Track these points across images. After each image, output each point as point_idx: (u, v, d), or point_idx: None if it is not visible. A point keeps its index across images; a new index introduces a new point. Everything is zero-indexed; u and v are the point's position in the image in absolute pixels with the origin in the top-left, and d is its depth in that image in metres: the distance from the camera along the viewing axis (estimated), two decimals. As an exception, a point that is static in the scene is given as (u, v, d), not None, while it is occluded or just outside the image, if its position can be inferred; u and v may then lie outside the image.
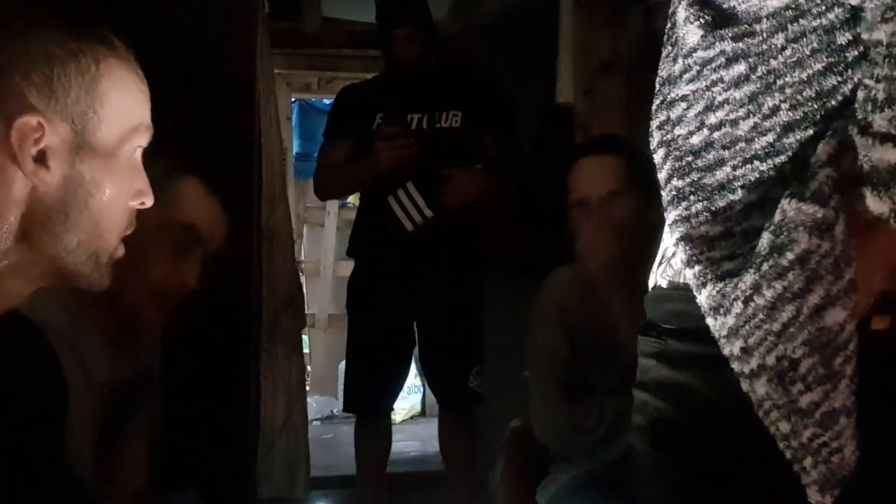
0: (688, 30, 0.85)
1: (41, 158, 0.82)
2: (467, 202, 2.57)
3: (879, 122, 0.66)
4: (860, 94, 0.69)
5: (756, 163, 0.80)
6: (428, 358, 2.79)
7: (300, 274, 3.25)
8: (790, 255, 0.74)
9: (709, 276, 0.83)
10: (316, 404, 4.56)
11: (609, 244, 1.67)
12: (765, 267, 0.76)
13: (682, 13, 0.85)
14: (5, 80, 0.80)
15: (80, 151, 0.84)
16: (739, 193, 0.81)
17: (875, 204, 0.68)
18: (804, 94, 0.77)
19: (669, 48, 0.90)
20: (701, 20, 0.83)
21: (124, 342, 1.39)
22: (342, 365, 2.95)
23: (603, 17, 2.42)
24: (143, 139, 0.91)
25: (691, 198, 0.85)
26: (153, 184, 0.93)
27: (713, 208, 0.83)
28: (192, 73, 1.97)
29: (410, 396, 4.76)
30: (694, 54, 0.85)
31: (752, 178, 0.80)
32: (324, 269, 5.08)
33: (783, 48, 0.78)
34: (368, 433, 2.74)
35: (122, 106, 0.87)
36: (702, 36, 0.83)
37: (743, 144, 0.81)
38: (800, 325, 0.75)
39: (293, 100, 4.85)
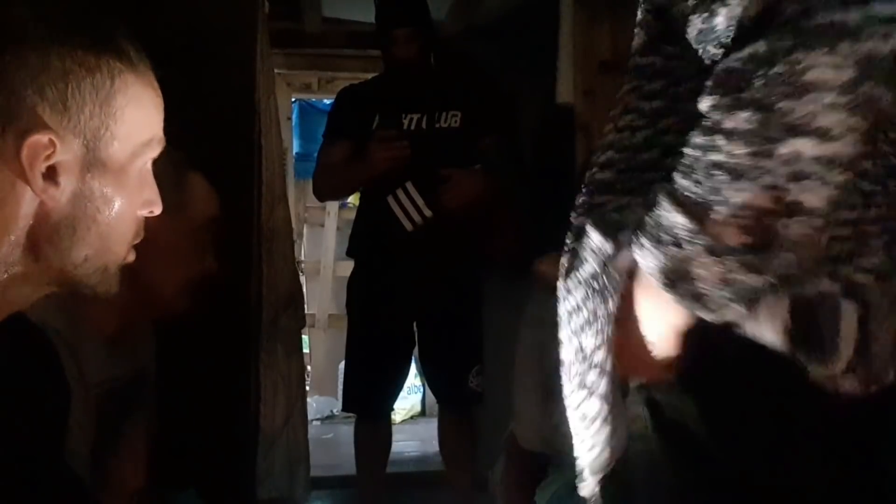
0: (637, 34, 0.86)
1: (51, 175, 0.81)
2: (467, 202, 2.57)
3: (681, 187, 0.69)
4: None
5: (637, 172, 0.83)
6: (428, 358, 2.79)
7: (300, 274, 3.25)
8: (582, 273, 0.81)
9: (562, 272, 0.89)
10: (316, 404, 4.56)
11: None
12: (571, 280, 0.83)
13: (638, 17, 0.87)
14: (19, 96, 0.78)
15: (92, 167, 0.83)
16: (610, 195, 0.85)
17: (650, 261, 0.71)
18: (691, 122, 0.80)
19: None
20: (647, 27, 0.84)
21: (120, 342, 1.39)
22: (342, 365, 2.95)
23: (603, 17, 2.42)
24: (155, 152, 0.90)
25: (590, 187, 0.89)
26: (172, 190, 0.93)
27: (592, 202, 0.87)
28: (192, 72, 1.97)
29: (410, 396, 4.76)
30: (633, 58, 0.87)
31: (629, 186, 0.83)
32: (324, 269, 5.08)
33: (693, 77, 0.80)
34: (368, 433, 2.74)
35: (135, 122, 0.86)
36: (643, 43, 0.85)
37: (631, 153, 0.84)
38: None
39: (293, 100, 4.85)
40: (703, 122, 0.68)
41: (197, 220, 1.43)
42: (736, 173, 0.65)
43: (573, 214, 0.90)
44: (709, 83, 0.68)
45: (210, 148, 1.89)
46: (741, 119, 0.64)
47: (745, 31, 0.67)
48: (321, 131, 2.86)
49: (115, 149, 0.84)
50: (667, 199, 0.70)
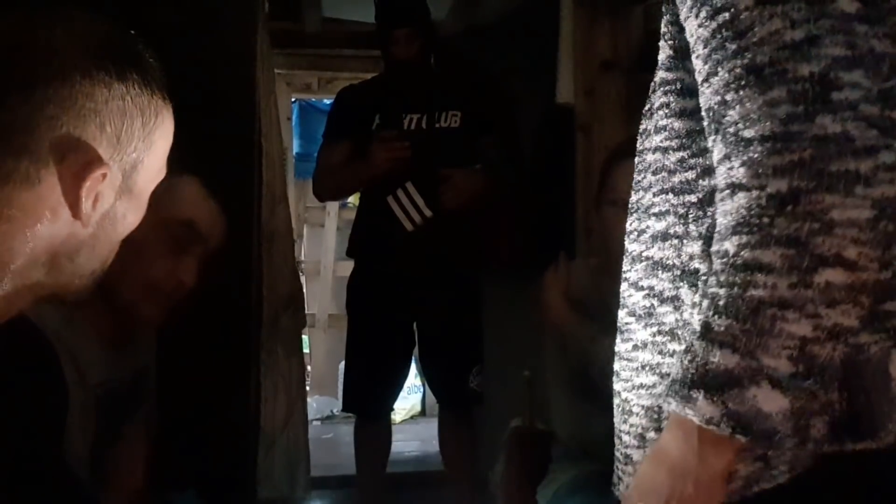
0: (661, 46, 0.86)
1: (93, 203, 0.83)
2: (466, 202, 2.57)
3: (718, 326, 0.70)
4: (704, 302, 0.73)
5: (670, 195, 0.83)
6: (428, 358, 2.79)
7: (300, 274, 3.25)
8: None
9: (623, 301, 0.89)
10: (316, 404, 4.56)
11: None
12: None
13: (661, 28, 0.86)
14: (84, 129, 0.80)
15: (122, 194, 0.86)
16: (649, 221, 0.85)
17: (707, 407, 0.70)
18: None
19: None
20: (673, 42, 0.84)
21: (120, 343, 1.38)
22: (342, 365, 2.95)
23: (603, 17, 2.42)
24: (162, 175, 0.93)
25: (633, 215, 0.89)
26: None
27: (638, 228, 0.87)
28: (192, 73, 1.97)
29: (410, 396, 4.76)
30: (659, 72, 0.86)
31: (663, 209, 0.84)
32: (324, 269, 5.08)
33: None
34: (368, 433, 2.74)
35: (161, 152, 0.90)
36: (669, 56, 0.84)
37: (666, 174, 0.84)
38: None
39: (293, 100, 4.85)
40: (734, 261, 0.70)
41: (168, 222, 1.35)
42: (782, 304, 0.67)
43: (627, 239, 0.90)
44: (728, 223, 0.70)
45: (210, 147, 1.89)
46: (776, 254, 0.67)
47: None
48: (321, 131, 2.86)
49: (142, 176, 0.87)
50: (714, 345, 0.70)
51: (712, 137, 0.73)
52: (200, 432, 1.96)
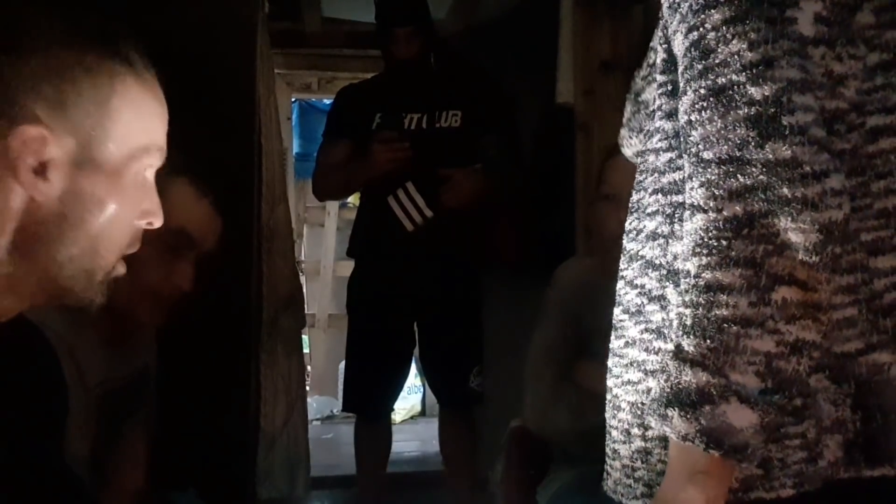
0: (657, 50, 0.87)
1: (41, 170, 0.81)
2: (467, 202, 2.57)
3: (688, 346, 0.72)
4: (674, 322, 0.74)
5: (659, 195, 0.85)
6: (428, 358, 2.79)
7: (300, 274, 3.25)
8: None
9: (618, 299, 0.90)
10: (316, 404, 4.56)
11: None
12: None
13: (657, 32, 0.87)
14: (13, 90, 0.79)
15: (84, 166, 0.83)
16: (646, 220, 0.87)
17: (682, 424, 0.72)
18: None
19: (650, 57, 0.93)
20: (666, 45, 0.84)
21: (120, 343, 1.38)
22: (342, 365, 2.95)
23: (603, 17, 2.42)
24: (155, 160, 0.90)
25: (632, 214, 0.91)
26: None
27: (637, 228, 0.89)
28: (192, 73, 1.97)
29: (410, 396, 4.76)
30: (656, 75, 0.87)
31: (655, 209, 0.85)
32: (324, 269, 5.08)
33: None
34: (368, 433, 2.74)
35: (132, 125, 0.86)
36: (662, 59, 0.85)
37: (657, 175, 0.86)
38: None
39: (293, 100, 4.85)
40: (696, 281, 0.71)
41: (159, 231, 1.34)
42: (745, 322, 0.69)
43: (625, 238, 0.91)
44: (688, 243, 0.72)
45: (210, 148, 1.89)
46: (734, 275, 0.69)
47: None
48: (321, 131, 2.86)
49: (110, 150, 0.85)
50: (685, 364, 0.72)
51: (684, 156, 0.75)
52: (200, 432, 1.95)
